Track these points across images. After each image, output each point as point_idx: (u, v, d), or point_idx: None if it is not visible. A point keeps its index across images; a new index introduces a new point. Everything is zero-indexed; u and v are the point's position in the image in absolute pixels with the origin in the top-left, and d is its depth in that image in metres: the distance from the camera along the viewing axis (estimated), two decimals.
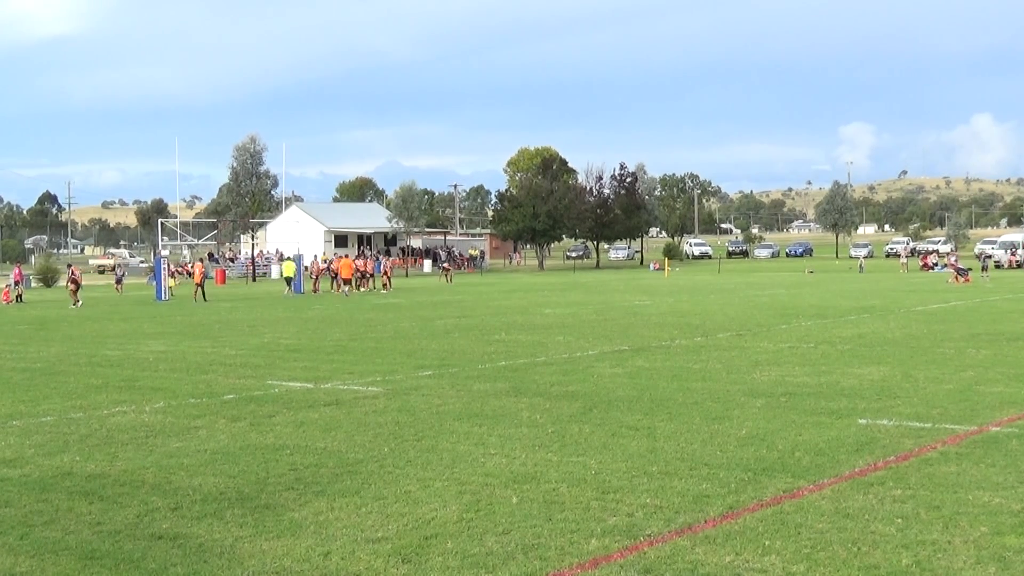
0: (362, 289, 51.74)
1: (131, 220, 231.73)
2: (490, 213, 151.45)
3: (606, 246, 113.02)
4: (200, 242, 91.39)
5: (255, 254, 78.77)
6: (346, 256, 55.09)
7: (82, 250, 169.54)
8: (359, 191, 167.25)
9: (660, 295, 42.09)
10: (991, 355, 18.47)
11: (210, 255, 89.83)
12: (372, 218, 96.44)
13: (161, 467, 10.18)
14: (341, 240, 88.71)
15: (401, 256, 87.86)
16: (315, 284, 52.63)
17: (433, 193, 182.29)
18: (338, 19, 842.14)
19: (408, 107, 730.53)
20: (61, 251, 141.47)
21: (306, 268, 57.41)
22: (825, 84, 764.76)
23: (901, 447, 10.49)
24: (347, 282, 49.51)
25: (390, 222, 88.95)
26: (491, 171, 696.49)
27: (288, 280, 50.60)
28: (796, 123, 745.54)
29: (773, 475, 9.38)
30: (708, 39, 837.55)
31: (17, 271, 48.35)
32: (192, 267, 56.53)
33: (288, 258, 56.52)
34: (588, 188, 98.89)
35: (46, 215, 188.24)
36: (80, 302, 41.21)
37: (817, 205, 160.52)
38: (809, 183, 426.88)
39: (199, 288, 45.39)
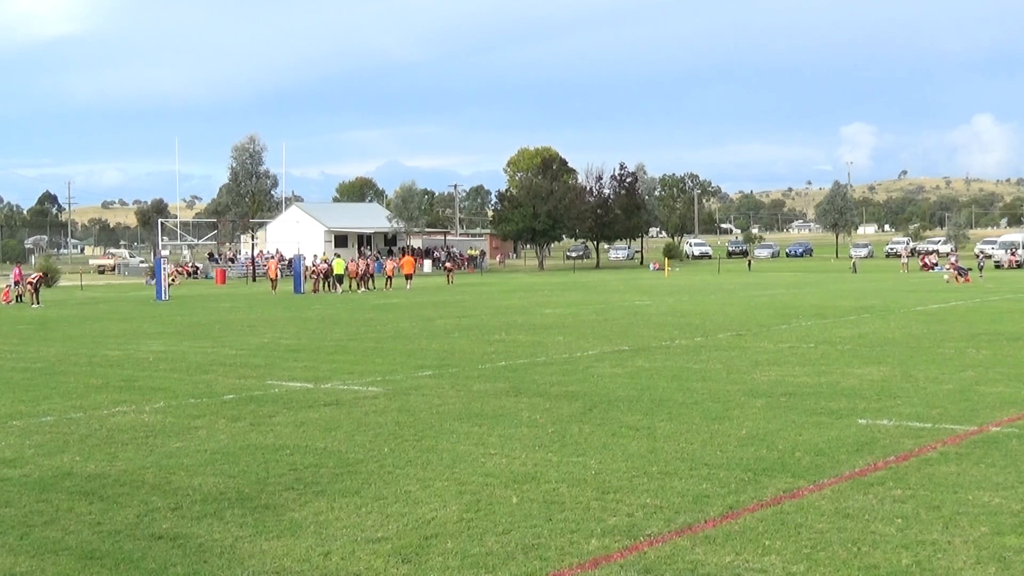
0: (361, 289, 51.98)
1: (131, 220, 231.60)
2: (490, 213, 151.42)
3: (606, 246, 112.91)
4: (200, 242, 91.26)
5: (255, 254, 78.72)
6: (408, 254, 61.49)
7: (82, 250, 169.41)
8: (359, 191, 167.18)
9: (660, 295, 42.09)
10: (991, 355, 18.47)
11: (210, 255, 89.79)
12: (372, 218, 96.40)
13: (161, 467, 10.18)
14: (341, 240, 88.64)
15: (401, 256, 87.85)
16: (386, 281, 55.12)
17: (433, 193, 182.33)
18: (339, 19, 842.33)
19: (408, 107, 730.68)
20: (61, 251, 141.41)
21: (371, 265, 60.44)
22: (826, 84, 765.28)
23: (901, 447, 10.49)
24: (408, 277, 54.77)
25: (390, 222, 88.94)
26: (491, 171, 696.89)
27: (339, 278, 51.85)
28: (797, 123, 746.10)
29: (773, 475, 9.38)
30: (708, 39, 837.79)
31: (17, 271, 48.31)
32: (265, 264, 61.59)
33: (337, 255, 57.66)
34: (588, 188, 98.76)
35: (46, 215, 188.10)
36: (40, 304, 42.08)
37: (817, 205, 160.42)
38: (809, 183, 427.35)
39: (274, 283, 50.44)
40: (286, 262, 77.08)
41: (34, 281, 44.07)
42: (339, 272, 52.16)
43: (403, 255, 61.00)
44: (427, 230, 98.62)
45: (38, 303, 42.31)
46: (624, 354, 19.57)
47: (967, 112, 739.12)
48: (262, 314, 34.43)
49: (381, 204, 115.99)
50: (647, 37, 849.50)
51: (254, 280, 70.84)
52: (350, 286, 52.07)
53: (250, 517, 8.29)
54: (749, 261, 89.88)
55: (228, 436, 11.76)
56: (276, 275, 52.58)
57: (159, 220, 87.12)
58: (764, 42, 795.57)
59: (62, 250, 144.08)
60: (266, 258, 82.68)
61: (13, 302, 44.61)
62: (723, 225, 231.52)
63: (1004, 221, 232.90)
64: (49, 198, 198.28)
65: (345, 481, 9.45)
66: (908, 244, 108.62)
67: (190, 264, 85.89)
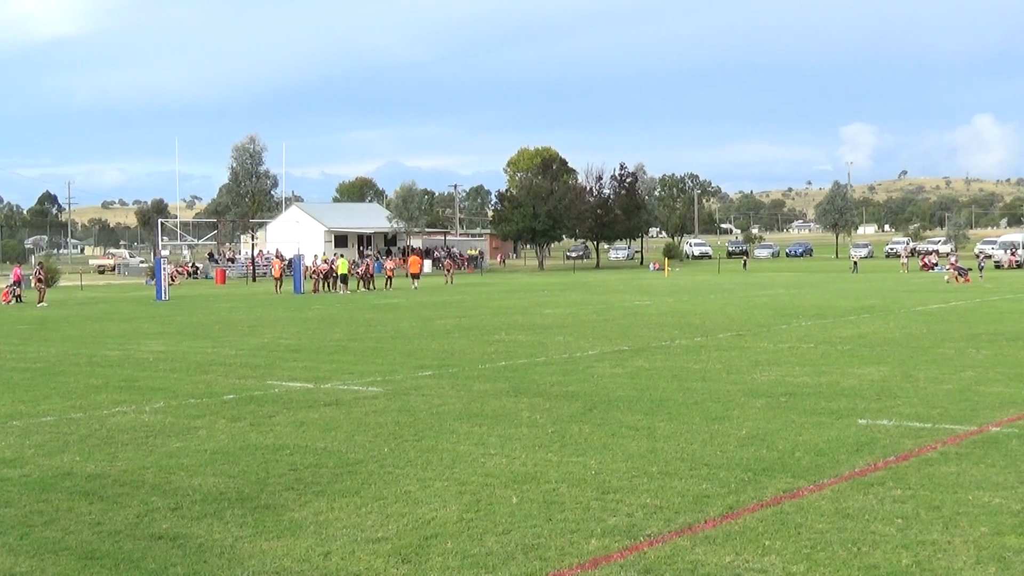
0: (362, 289, 52.15)
1: (131, 220, 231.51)
2: (490, 213, 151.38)
3: (606, 246, 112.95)
4: (200, 242, 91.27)
5: (255, 254, 78.72)
6: (415, 255, 63.89)
7: (82, 250, 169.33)
8: (359, 191, 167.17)
9: (660, 295, 42.09)
10: (991, 355, 18.47)
11: (210, 255, 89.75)
12: (372, 218, 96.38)
13: (161, 467, 10.18)
14: (341, 240, 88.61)
15: (401, 256, 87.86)
16: (386, 281, 55.48)
17: (433, 193, 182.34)
18: (339, 19, 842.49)
19: (409, 107, 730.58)
20: (61, 251, 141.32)
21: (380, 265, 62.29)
22: (826, 84, 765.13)
23: (901, 447, 10.49)
24: (416, 276, 55.65)
25: (390, 222, 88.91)
26: (491, 171, 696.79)
27: (343, 278, 52.01)
28: (797, 123, 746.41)
29: (773, 475, 9.38)
30: (708, 39, 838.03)
31: (17, 271, 48.31)
32: (272, 264, 62.20)
33: (341, 255, 58.01)
34: (588, 188, 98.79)
35: (46, 215, 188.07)
36: (46, 303, 42.04)
37: (817, 205, 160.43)
38: (809, 183, 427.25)
39: (278, 282, 52.32)
40: (286, 262, 77.26)
41: (41, 278, 43.91)
42: (343, 272, 52.23)
43: (409, 255, 62.25)
44: (427, 230, 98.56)
45: (43, 301, 42.15)
46: (624, 354, 19.57)
47: (967, 112, 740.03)
48: (262, 314, 34.42)
49: (381, 204, 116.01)
50: (647, 37, 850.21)
51: (254, 280, 70.82)
52: (346, 285, 52.07)
53: (250, 517, 8.29)
54: (744, 261, 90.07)
55: (228, 436, 11.76)
56: (281, 275, 53.19)
57: (159, 220, 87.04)
58: (764, 42, 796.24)
59: (62, 250, 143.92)
60: (267, 258, 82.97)
61: (13, 302, 44.61)
62: (723, 225, 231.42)
63: (1004, 221, 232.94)
64: (49, 198, 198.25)
65: (345, 481, 9.45)
66: (908, 244, 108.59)
67: (190, 264, 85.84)
